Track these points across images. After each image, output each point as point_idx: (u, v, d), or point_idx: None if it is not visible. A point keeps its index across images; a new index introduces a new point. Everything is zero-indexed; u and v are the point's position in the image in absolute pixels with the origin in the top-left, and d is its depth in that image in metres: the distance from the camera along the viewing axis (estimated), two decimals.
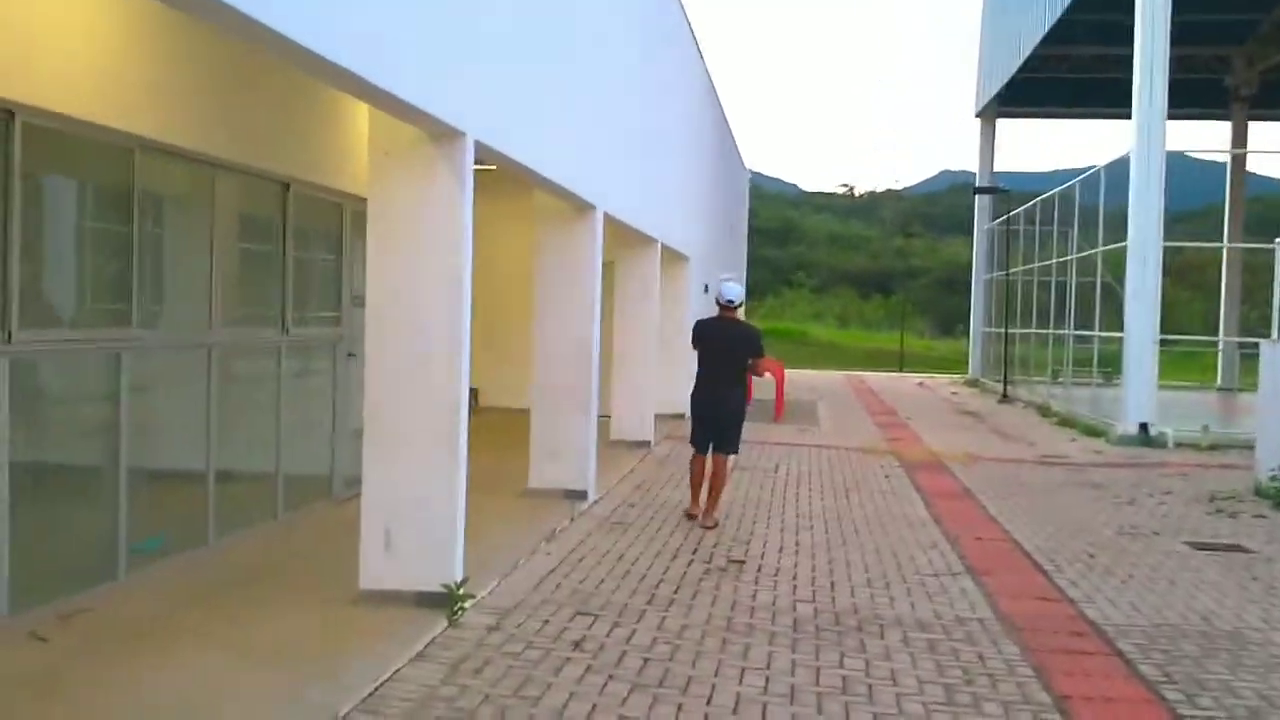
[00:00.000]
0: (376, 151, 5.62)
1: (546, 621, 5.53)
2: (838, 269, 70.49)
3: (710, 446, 8.47)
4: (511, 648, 5.07)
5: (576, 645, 5.14)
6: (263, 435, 7.54)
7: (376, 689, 4.42)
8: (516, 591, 6.11)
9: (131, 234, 5.83)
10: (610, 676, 4.72)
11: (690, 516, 8.50)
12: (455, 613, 5.41)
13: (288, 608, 5.46)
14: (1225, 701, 4.68)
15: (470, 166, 5.69)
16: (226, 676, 4.52)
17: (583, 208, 9.05)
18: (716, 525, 8.24)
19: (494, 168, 7.31)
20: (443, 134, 5.53)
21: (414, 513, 5.61)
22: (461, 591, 5.51)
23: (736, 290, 8.54)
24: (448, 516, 5.64)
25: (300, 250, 7.84)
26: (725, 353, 8.41)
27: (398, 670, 4.65)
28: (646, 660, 4.97)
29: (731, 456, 8.70)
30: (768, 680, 4.78)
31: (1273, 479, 10.19)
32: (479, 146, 5.85)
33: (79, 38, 5.35)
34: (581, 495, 8.99)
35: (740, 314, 8.78)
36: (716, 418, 8.46)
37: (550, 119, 7.56)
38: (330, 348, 8.45)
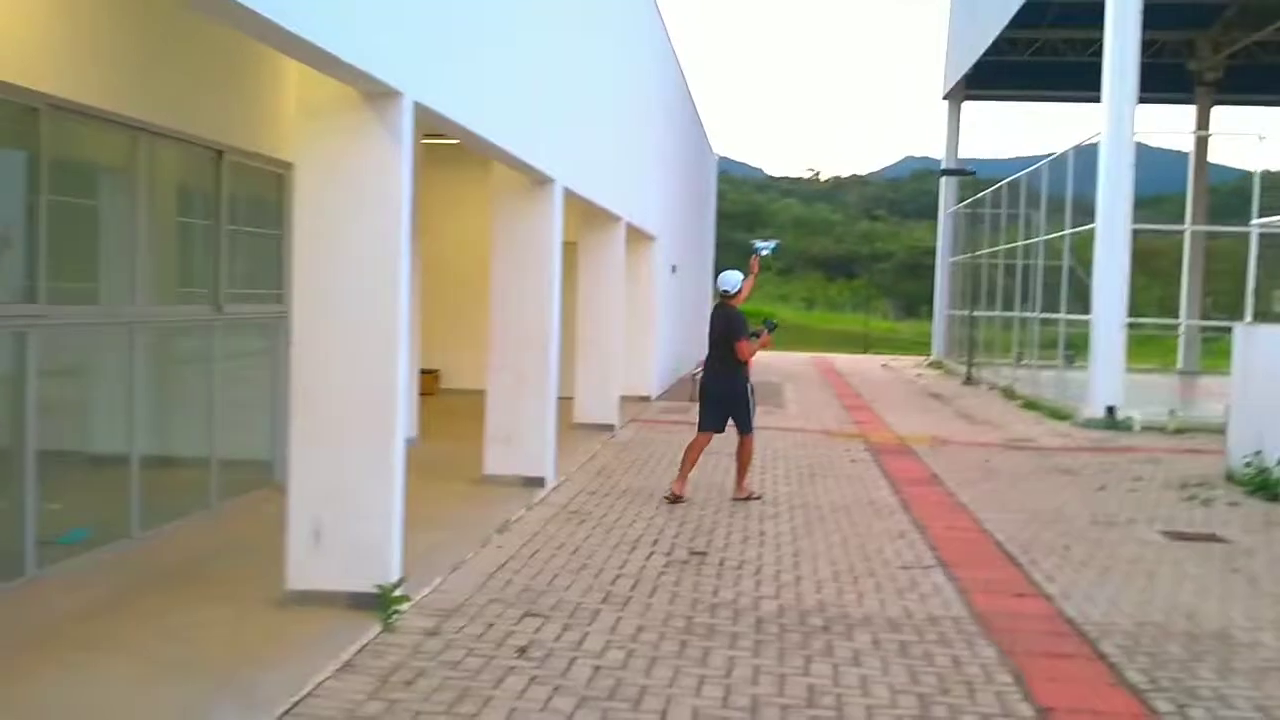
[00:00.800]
0: (303, 112, 5.12)
1: (491, 625, 5.10)
2: (804, 252, 70.46)
3: (711, 427, 8.91)
4: (450, 655, 4.64)
5: (522, 652, 4.72)
6: (194, 419, 7.06)
7: (294, 705, 3.98)
8: (461, 590, 5.68)
9: (38, 202, 5.31)
10: (556, 688, 4.31)
11: (672, 499, 8.47)
12: (390, 616, 4.97)
13: (208, 610, 5.01)
14: (1220, 714, 4.33)
15: (408, 129, 5.21)
16: (129, 690, 4.07)
17: (541, 180, 8.60)
18: (750, 497, 8.71)
19: (455, 141, 6.85)
20: (377, 94, 5.05)
21: (346, 506, 5.14)
22: (398, 593, 5.07)
23: (728, 280, 8.97)
24: (383, 510, 5.18)
25: (236, 222, 7.34)
26: (718, 340, 8.92)
27: (321, 683, 4.20)
28: (597, 669, 4.57)
29: (750, 435, 8.89)
30: (728, 690, 4.39)
31: (1247, 465, 9.98)
32: (420, 110, 5.38)
33: None
34: (539, 482, 8.62)
35: (744, 294, 9.04)
36: (714, 398, 8.93)
37: (500, 82, 7.07)
38: (272, 326, 7.95)
